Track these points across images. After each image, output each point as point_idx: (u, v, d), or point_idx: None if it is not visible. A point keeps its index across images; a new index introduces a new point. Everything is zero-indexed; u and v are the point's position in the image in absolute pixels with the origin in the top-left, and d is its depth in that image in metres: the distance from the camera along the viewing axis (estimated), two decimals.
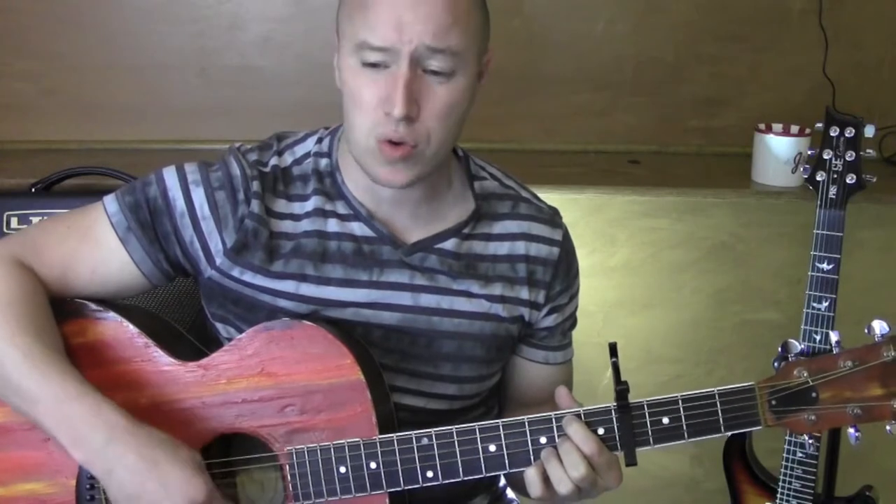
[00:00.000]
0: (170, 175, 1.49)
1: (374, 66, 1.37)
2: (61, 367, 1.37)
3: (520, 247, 1.55)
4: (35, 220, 2.14)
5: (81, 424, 1.34)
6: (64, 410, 1.35)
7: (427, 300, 1.50)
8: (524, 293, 1.55)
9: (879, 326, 1.35)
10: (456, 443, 1.39)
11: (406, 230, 1.51)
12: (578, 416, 1.38)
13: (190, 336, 1.55)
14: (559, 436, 1.38)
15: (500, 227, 1.55)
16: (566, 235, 1.60)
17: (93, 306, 1.46)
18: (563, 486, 1.37)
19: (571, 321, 1.65)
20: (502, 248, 1.54)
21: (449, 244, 1.51)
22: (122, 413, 1.35)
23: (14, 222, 2.15)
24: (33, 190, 2.24)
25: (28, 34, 2.67)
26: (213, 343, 1.52)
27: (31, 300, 1.41)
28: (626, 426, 1.37)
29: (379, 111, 1.37)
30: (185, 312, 1.86)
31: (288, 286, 1.47)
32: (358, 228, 1.49)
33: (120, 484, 1.34)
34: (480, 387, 1.58)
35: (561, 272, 1.58)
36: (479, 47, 1.42)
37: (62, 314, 1.45)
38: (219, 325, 1.55)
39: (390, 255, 1.49)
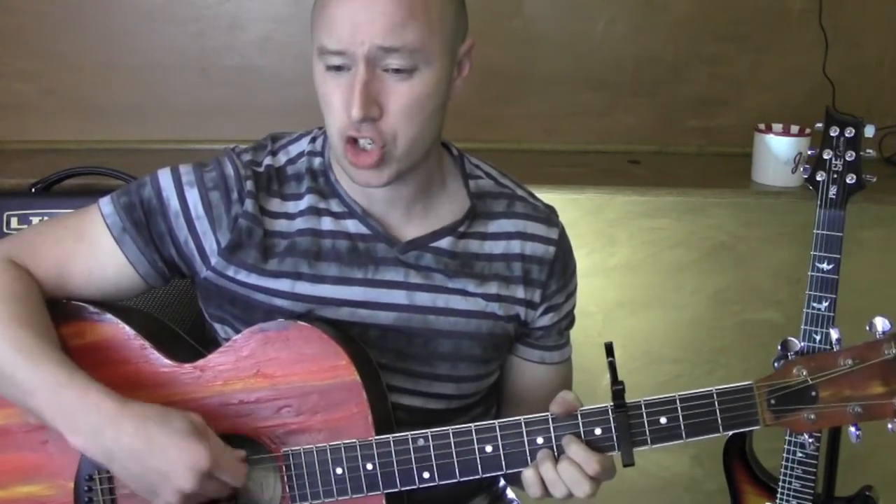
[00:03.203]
0: (164, 176, 1.49)
1: (337, 69, 1.37)
2: (53, 357, 1.37)
3: (515, 245, 1.55)
4: (35, 220, 2.14)
5: (74, 411, 1.34)
6: (57, 399, 1.34)
7: (422, 299, 1.50)
8: (520, 292, 1.54)
9: (881, 323, 1.34)
10: (452, 444, 1.39)
11: (401, 228, 1.51)
12: (578, 435, 1.38)
13: (188, 337, 1.54)
14: (559, 455, 1.37)
15: (495, 226, 1.55)
16: (562, 234, 1.60)
17: (90, 308, 1.46)
18: (557, 491, 1.37)
19: (568, 320, 1.64)
20: (498, 246, 1.54)
21: (444, 242, 1.51)
22: (111, 395, 1.34)
23: (14, 222, 2.15)
24: (33, 190, 2.24)
25: (28, 34, 2.67)
26: (211, 344, 1.52)
27: (24, 298, 1.41)
28: (623, 426, 1.37)
29: (344, 114, 1.38)
30: (184, 313, 1.85)
31: (283, 285, 1.47)
32: (352, 226, 1.49)
33: (123, 467, 1.34)
34: (478, 386, 1.58)
35: (557, 271, 1.58)
36: (448, 40, 1.40)
37: (60, 316, 1.45)
38: (217, 326, 1.55)
39: (385, 252, 1.49)
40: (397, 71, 1.36)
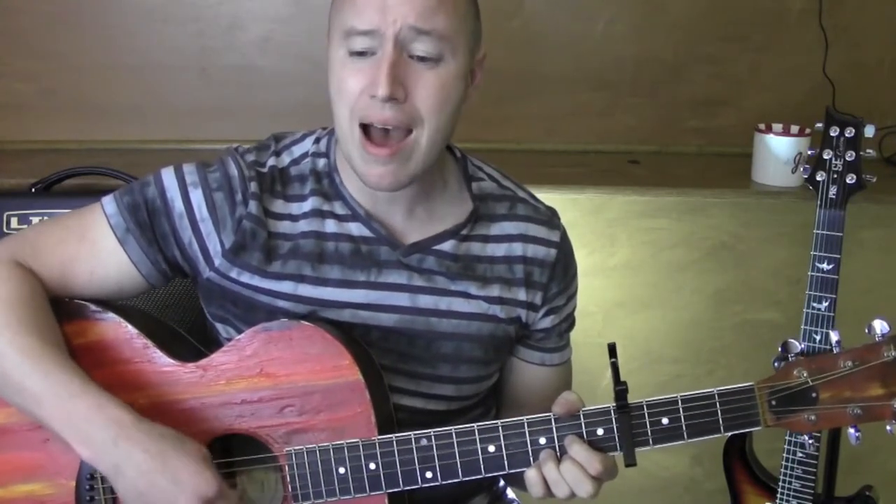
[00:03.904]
0: (168, 176, 1.48)
1: (360, 54, 1.37)
2: (63, 365, 1.37)
3: (517, 248, 1.55)
4: (35, 220, 2.14)
5: (86, 422, 1.34)
6: (68, 408, 1.34)
7: (425, 301, 1.50)
8: (521, 294, 1.54)
9: (880, 326, 1.34)
10: (455, 443, 1.39)
11: (404, 231, 1.51)
12: (580, 436, 1.38)
13: (190, 337, 1.54)
14: (561, 455, 1.38)
15: (497, 229, 1.55)
16: (564, 236, 1.60)
17: (92, 307, 1.46)
18: (559, 491, 1.37)
19: (569, 322, 1.64)
20: (500, 249, 1.54)
21: (447, 245, 1.51)
22: (126, 409, 1.35)
23: (14, 222, 2.15)
24: (33, 190, 2.24)
25: (28, 34, 2.67)
26: (213, 344, 1.52)
27: (30, 301, 1.41)
28: (625, 427, 1.37)
29: (363, 96, 1.37)
30: (185, 313, 1.85)
31: (286, 287, 1.47)
32: (356, 229, 1.49)
33: (129, 481, 1.33)
34: (479, 387, 1.58)
35: (558, 273, 1.58)
36: (468, 38, 1.41)
37: (62, 315, 1.45)
38: (219, 326, 1.54)
39: (388, 255, 1.49)
40: (422, 59, 1.37)
